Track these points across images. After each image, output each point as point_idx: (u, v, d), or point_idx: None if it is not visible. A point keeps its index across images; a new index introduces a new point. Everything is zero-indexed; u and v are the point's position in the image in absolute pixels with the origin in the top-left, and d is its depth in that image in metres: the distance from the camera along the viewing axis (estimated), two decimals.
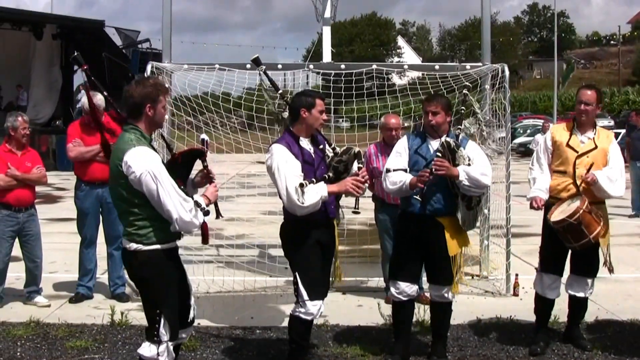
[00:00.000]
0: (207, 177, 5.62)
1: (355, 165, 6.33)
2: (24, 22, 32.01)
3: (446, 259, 6.79)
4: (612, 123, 58.19)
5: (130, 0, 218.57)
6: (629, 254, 12.24)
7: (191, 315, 5.59)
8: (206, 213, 5.18)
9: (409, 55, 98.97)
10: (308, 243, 6.26)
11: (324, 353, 7.18)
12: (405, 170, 6.81)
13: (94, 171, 8.83)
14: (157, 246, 5.16)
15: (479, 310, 8.46)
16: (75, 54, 7.29)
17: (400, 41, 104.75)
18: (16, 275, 9.38)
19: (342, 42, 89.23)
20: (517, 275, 9.22)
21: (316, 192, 5.98)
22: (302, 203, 5.95)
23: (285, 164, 6.05)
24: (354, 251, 11.17)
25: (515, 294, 9.12)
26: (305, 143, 6.33)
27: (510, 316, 8.06)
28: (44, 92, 33.11)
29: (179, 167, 5.49)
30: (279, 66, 9.79)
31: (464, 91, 7.34)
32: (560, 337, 7.54)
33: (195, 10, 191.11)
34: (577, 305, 7.35)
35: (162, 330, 5.19)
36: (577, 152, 7.12)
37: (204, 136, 5.82)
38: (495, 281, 9.80)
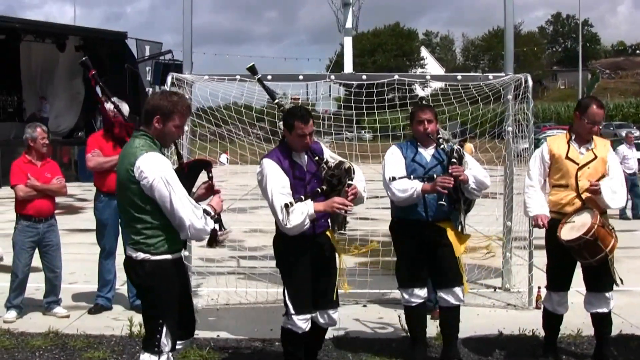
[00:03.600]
0: (210, 189, 5.57)
1: (346, 181, 6.25)
2: (47, 34, 32.29)
3: (454, 260, 6.89)
4: (637, 133, 57.79)
5: (156, 13, 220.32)
6: None
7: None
8: (216, 220, 5.18)
9: (432, 66, 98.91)
10: (295, 257, 6.25)
11: None
12: (409, 178, 6.80)
13: (112, 182, 8.64)
14: (166, 256, 5.12)
15: (501, 323, 8.36)
16: (84, 58, 7.22)
17: (424, 51, 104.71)
18: (36, 285, 9.39)
19: (364, 52, 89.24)
20: (539, 288, 9.08)
21: (302, 213, 5.93)
22: (287, 224, 5.92)
23: (274, 182, 6.00)
24: (376, 263, 11.08)
25: (538, 307, 8.97)
26: (298, 156, 6.26)
27: (533, 329, 7.94)
28: (66, 103, 33.38)
29: (185, 177, 5.39)
30: (300, 77, 9.74)
31: (423, 102, 7.35)
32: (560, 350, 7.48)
33: (222, 23, 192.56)
34: (602, 322, 7.14)
35: (163, 340, 5.13)
36: (577, 164, 6.96)
37: (223, 159, 5.79)
38: (517, 294, 9.69)
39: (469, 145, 11.89)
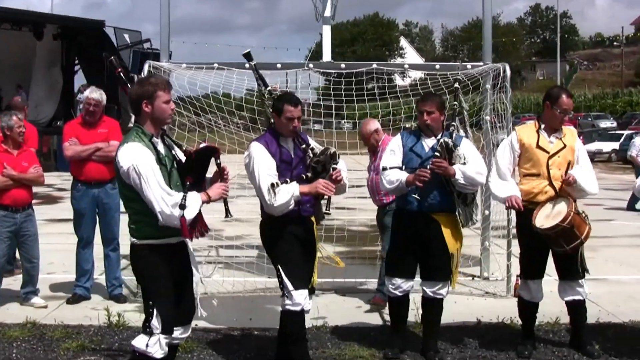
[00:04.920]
0: (218, 175, 5.61)
1: (331, 166, 6.38)
2: (24, 22, 31.91)
3: (443, 255, 6.88)
4: (614, 124, 58.09)
5: (137, 3, 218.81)
6: (631, 256, 12.18)
7: (198, 313, 5.71)
8: (182, 207, 5.13)
9: (411, 56, 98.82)
10: (285, 236, 6.38)
11: (322, 354, 7.13)
12: (401, 168, 6.83)
13: (90, 171, 8.77)
14: (149, 241, 5.30)
15: (479, 312, 8.40)
16: (112, 57, 7.27)
17: (403, 42, 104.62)
18: (14, 276, 9.31)
19: (343, 42, 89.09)
20: (517, 276, 9.12)
21: (287, 192, 6.10)
22: (273, 203, 6.08)
23: (261, 164, 6.17)
24: (354, 252, 11.11)
25: (516, 296, 9.01)
26: (285, 142, 6.42)
27: (511, 317, 7.98)
28: (45, 92, 33.07)
29: (193, 164, 5.51)
30: (278, 65, 9.66)
31: (455, 85, 7.31)
32: (540, 340, 7.52)
33: (203, 12, 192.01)
34: (577, 309, 7.21)
35: (154, 322, 5.30)
36: (548, 152, 7.01)
37: (203, 146, 5.80)
38: (495, 282, 9.73)
39: None
